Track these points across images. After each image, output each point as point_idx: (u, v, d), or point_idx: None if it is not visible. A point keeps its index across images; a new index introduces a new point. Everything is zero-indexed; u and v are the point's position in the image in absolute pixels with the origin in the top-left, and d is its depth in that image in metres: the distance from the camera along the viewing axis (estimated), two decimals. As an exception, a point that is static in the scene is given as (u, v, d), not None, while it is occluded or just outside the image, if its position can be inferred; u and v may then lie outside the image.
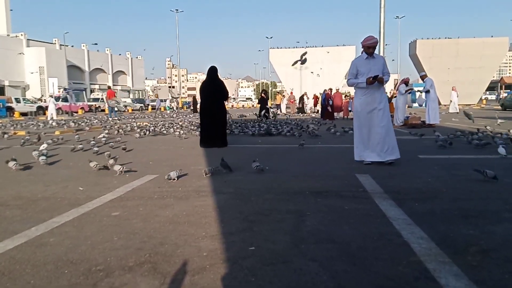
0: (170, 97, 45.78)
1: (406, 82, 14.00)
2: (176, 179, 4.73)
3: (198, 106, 30.71)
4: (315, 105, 28.10)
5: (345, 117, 19.61)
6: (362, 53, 5.84)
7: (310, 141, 9.05)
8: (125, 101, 42.02)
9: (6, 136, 11.11)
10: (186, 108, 45.03)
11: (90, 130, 13.57)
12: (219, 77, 8.75)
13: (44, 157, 6.21)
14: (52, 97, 24.68)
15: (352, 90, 19.51)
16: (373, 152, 5.60)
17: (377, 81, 5.59)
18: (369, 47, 5.68)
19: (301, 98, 28.64)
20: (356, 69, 5.77)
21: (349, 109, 19.85)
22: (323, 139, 9.47)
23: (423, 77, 13.53)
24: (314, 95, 28.31)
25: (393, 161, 5.54)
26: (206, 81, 8.44)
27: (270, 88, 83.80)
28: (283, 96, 33.39)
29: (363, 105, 5.71)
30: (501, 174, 4.78)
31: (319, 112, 25.23)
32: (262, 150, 7.76)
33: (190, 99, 69.66)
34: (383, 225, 2.94)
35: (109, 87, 26.04)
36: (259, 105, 19.62)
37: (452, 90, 23.59)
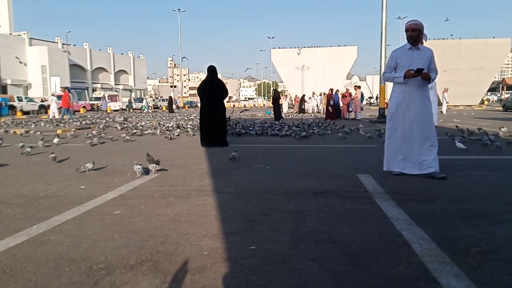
0: (148, 97, 45.18)
1: None
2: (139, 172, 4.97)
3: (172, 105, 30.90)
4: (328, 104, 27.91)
5: (344, 117, 19.57)
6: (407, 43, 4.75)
7: (310, 141, 9.06)
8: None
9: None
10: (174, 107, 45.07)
11: (93, 128, 13.62)
12: (218, 76, 8.76)
13: (29, 149, 7.10)
14: (54, 95, 24.68)
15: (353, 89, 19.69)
16: (409, 163, 4.69)
17: (420, 76, 4.51)
18: (407, 30, 4.61)
19: (302, 99, 28.66)
20: (395, 61, 4.74)
21: (350, 109, 19.79)
22: (324, 139, 9.46)
23: None
24: (324, 93, 28.07)
25: (432, 175, 4.57)
26: (206, 80, 8.44)
27: (271, 88, 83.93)
28: (285, 96, 33.41)
29: (398, 106, 4.71)
30: (502, 175, 4.78)
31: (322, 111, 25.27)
32: (263, 149, 7.76)
33: (191, 99, 70.00)
34: (384, 226, 2.94)
35: (65, 88, 22.50)
36: (273, 105, 19.37)
37: (445, 92, 23.57)
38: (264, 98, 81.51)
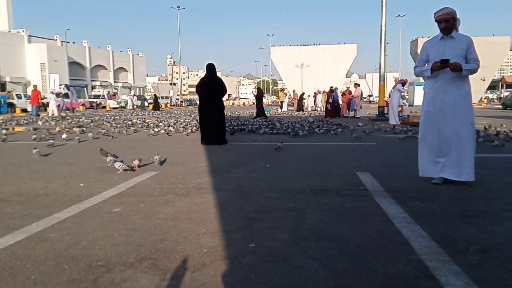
0: (132, 95, 43.71)
1: (403, 83, 14.15)
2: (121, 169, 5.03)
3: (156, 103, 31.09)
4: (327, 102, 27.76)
5: (344, 115, 19.56)
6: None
7: (310, 139, 9.06)
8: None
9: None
10: (166, 106, 45.01)
11: (93, 126, 13.61)
12: (217, 74, 8.76)
13: (52, 141, 7.96)
14: (53, 93, 24.63)
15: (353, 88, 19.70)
16: (446, 167, 4.09)
17: (449, 68, 3.94)
18: (440, 21, 4.07)
19: (301, 97, 28.66)
20: (426, 53, 4.23)
21: (355, 107, 19.68)
22: (323, 137, 9.46)
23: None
24: (324, 91, 27.94)
25: (463, 182, 4.06)
26: (205, 78, 8.44)
27: (271, 86, 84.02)
28: (285, 94, 33.42)
29: (430, 103, 4.18)
30: (501, 174, 4.79)
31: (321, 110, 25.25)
32: (262, 147, 7.75)
33: (190, 97, 69.94)
34: (383, 224, 2.94)
35: (35, 87, 21.72)
36: (256, 103, 19.35)
37: None
38: (264, 97, 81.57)
